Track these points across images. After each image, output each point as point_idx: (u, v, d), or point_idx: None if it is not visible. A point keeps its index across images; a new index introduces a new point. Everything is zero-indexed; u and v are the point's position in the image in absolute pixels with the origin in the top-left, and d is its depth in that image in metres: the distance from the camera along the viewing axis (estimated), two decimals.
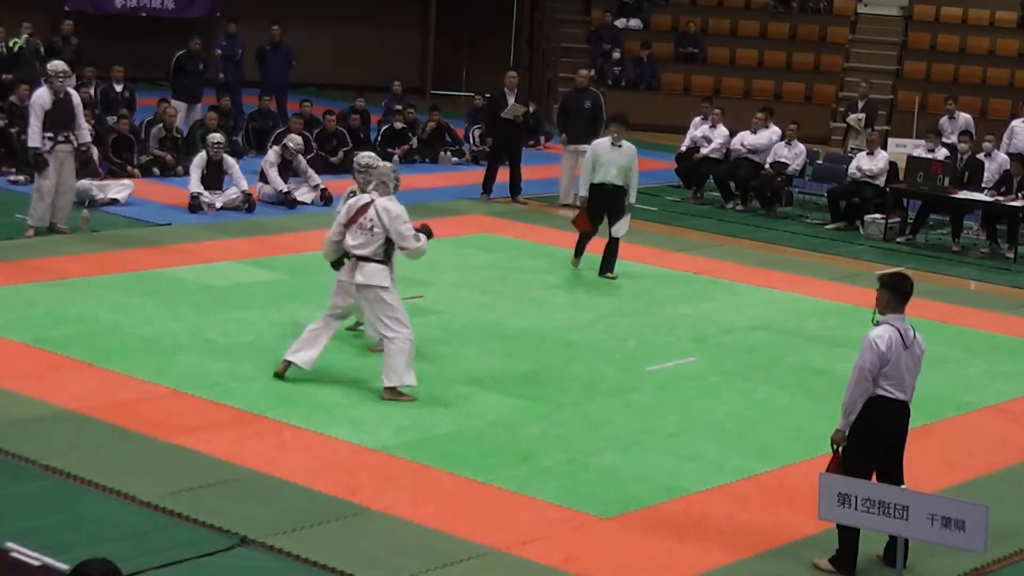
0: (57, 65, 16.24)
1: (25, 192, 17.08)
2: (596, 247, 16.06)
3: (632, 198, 16.23)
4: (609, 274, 15.86)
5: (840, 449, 8.50)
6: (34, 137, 15.85)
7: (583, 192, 16.20)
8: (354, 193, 12.02)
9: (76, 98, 16.32)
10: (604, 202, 16.02)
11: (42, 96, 15.90)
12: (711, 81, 28.81)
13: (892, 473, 8.61)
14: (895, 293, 8.55)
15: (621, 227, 15.99)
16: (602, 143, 16.29)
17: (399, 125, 23.21)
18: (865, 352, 8.44)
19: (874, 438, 8.49)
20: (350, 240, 11.33)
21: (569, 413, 11.34)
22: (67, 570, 7.36)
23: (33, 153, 15.96)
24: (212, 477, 9.48)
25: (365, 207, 11.33)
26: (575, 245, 16.23)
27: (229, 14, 26.72)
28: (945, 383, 12.83)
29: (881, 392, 8.43)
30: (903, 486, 8.03)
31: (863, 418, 8.46)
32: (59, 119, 15.91)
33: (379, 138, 23.06)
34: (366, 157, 12.27)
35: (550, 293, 15.08)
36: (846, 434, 8.49)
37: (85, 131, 16.39)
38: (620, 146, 16.13)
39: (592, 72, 26.59)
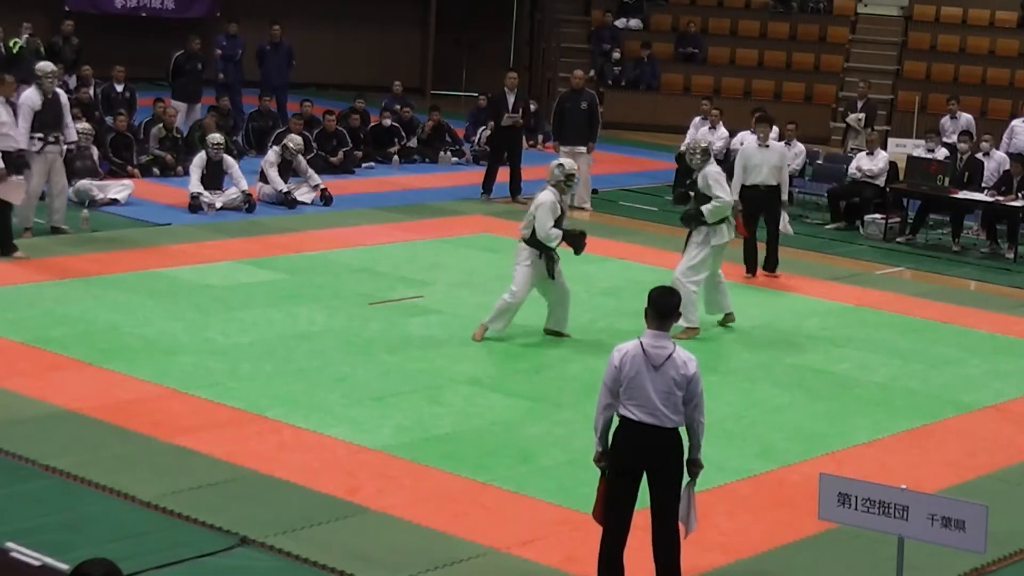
0: (46, 66, 16.24)
1: None
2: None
3: (784, 195, 16.45)
4: (772, 273, 16.41)
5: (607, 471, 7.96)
6: (22, 138, 15.78)
7: (735, 196, 15.74)
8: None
9: (63, 97, 16.34)
10: (759, 204, 16.11)
11: (31, 98, 15.85)
12: (711, 81, 28.82)
13: (661, 505, 7.90)
14: (650, 308, 7.86)
15: (785, 227, 16.29)
16: (750, 145, 16.40)
17: (387, 122, 23.14)
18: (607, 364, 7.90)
19: (619, 461, 7.88)
20: None
21: (569, 413, 11.35)
22: (67, 570, 7.38)
23: (17, 153, 15.73)
24: (212, 477, 9.49)
25: None
26: (744, 255, 16.32)
27: (229, 14, 26.73)
28: (945, 383, 12.84)
29: (623, 412, 7.79)
30: (903, 487, 8.00)
31: (614, 439, 7.88)
32: (48, 120, 15.86)
33: (367, 135, 22.87)
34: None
35: None
36: (602, 451, 7.97)
37: (72, 130, 16.40)
38: (768, 146, 16.26)
39: (592, 73, 26.70)
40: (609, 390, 7.85)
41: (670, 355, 7.78)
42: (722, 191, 13.60)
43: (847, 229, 19.84)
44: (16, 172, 15.27)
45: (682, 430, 7.91)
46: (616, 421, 7.93)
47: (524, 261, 13.13)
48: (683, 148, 21.08)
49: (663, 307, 7.90)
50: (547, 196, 13.07)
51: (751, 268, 16.41)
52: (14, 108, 15.43)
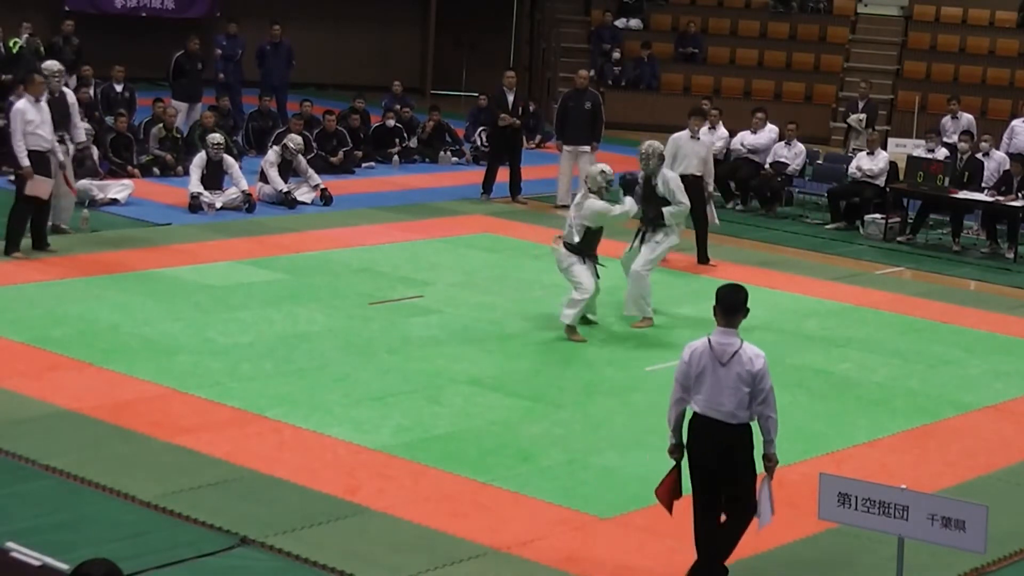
0: (51, 65, 16.26)
1: None
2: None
3: (711, 186, 17.14)
4: (709, 263, 16.89)
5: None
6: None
7: None
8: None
9: (71, 97, 16.33)
10: (687, 192, 16.23)
11: None
12: (711, 81, 28.83)
13: (732, 501, 8.08)
14: (718, 305, 8.06)
15: (713, 215, 16.97)
16: (682, 136, 16.90)
17: (391, 123, 23.18)
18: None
19: (690, 457, 8.09)
20: None
21: (569, 413, 11.34)
22: (67, 570, 7.37)
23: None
24: (212, 477, 9.49)
25: None
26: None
27: (229, 14, 26.73)
28: (945, 383, 12.84)
29: (693, 406, 8.00)
30: (903, 487, 8.00)
31: (687, 432, 8.09)
32: (54, 119, 15.85)
33: (369, 136, 22.90)
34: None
35: (550, 293, 15.05)
36: (675, 444, 8.16)
37: (81, 130, 16.43)
38: (698, 138, 16.88)
39: (592, 72, 26.66)
40: (680, 385, 8.06)
41: (736, 351, 7.95)
42: (684, 196, 14.27)
43: (847, 229, 19.83)
44: (43, 172, 15.31)
45: (754, 425, 8.04)
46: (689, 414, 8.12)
47: (576, 263, 13.40)
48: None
49: (729, 304, 8.08)
50: (593, 200, 13.33)
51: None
52: (40, 108, 15.39)
